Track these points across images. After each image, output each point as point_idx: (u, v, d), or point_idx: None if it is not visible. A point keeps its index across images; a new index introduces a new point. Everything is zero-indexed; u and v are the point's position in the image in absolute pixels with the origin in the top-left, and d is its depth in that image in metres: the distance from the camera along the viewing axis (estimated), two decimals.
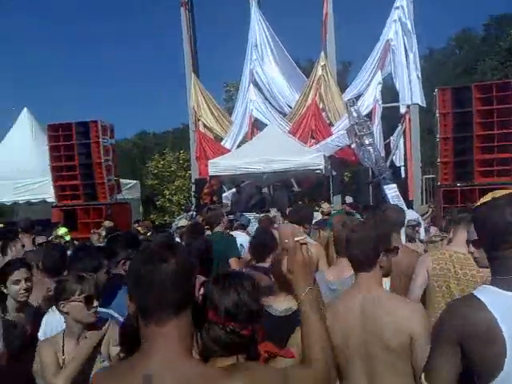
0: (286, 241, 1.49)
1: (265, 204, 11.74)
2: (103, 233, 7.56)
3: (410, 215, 6.65)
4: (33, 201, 12.88)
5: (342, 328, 2.12)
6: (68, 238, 7.96)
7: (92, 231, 8.24)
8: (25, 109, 15.42)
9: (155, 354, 1.24)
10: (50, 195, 12.13)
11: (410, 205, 11.72)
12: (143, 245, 1.42)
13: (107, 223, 8.85)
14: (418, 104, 13.82)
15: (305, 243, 1.50)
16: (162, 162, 22.93)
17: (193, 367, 1.26)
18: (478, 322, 1.47)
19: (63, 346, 2.48)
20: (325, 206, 8.54)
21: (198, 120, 15.99)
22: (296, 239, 1.48)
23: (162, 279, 1.24)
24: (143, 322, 1.27)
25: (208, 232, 5.34)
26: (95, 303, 2.48)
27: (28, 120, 15.16)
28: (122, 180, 13.20)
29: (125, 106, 62.09)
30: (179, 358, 1.25)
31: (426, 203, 12.30)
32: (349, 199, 9.96)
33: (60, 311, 2.51)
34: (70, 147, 11.76)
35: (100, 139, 11.69)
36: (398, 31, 14.14)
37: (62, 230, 8.07)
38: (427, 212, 7.43)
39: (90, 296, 2.46)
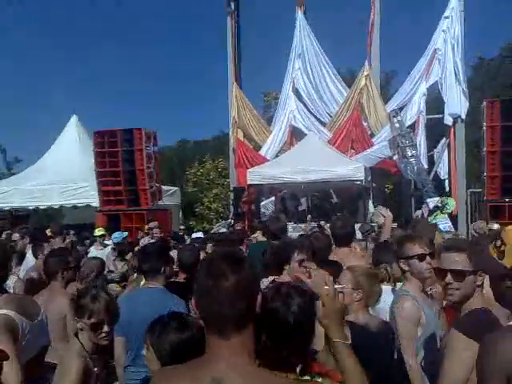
0: (326, 287, 1.54)
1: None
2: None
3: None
4: (78, 205, 13.37)
5: None
6: (100, 233, 8.21)
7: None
8: (74, 116, 16.10)
9: (221, 360, 1.27)
10: (94, 200, 12.55)
11: (453, 218, 11.35)
12: (208, 256, 1.44)
13: (152, 224, 9.18)
14: (461, 116, 13.46)
15: (341, 292, 1.59)
16: (201, 170, 23.29)
17: (260, 375, 1.29)
18: None
19: (92, 359, 2.41)
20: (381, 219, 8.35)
21: (238, 129, 16.16)
22: (336, 287, 1.57)
23: (223, 296, 1.27)
24: (207, 331, 1.32)
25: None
26: (105, 328, 2.36)
27: (76, 127, 15.80)
28: (162, 186, 13.47)
29: (166, 114, 63.57)
30: (246, 365, 1.27)
31: (471, 218, 11.86)
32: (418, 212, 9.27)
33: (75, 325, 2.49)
34: (115, 154, 12.14)
35: (143, 146, 12.01)
36: (446, 41, 13.85)
37: (98, 232, 8.34)
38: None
39: (96, 323, 2.36)
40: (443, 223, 9.72)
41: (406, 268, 2.84)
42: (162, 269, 3.20)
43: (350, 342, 1.57)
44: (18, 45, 65.28)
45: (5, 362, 2.16)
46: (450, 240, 2.68)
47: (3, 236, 8.98)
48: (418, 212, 8.89)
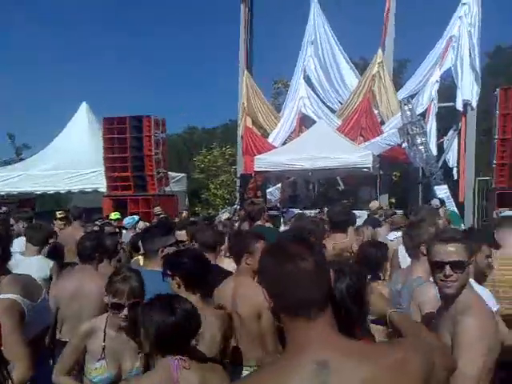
0: None
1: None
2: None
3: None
4: (86, 190, 13.46)
5: None
6: (116, 217, 8.28)
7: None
8: (83, 102, 16.14)
9: (316, 343, 1.21)
10: (102, 185, 12.63)
11: (460, 206, 11.28)
12: (275, 242, 1.40)
13: (157, 209, 9.22)
14: (471, 104, 13.26)
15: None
16: (208, 157, 23.31)
17: (359, 345, 1.27)
18: None
19: (105, 333, 2.49)
20: (373, 204, 8.38)
21: (247, 116, 16.09)
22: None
23: (306, 278, 1.23)
24: (289, 318, 1.25)
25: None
26: (124, 311, 2.40)
27: (86, 113, 15.84)
28: (170, 173, 13.54)
29: (175, 101, 63.55)
30: (342, 342, 1.24)
31: (478, 206, 11.75)
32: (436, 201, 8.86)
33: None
34: (124, 140, 12.19)
35: (152, 133, 12.05)
36: (462, 27, 13.58)
37: (114, 215, 8.41)
38: None
39: (118, 304, 2.42)
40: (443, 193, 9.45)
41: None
42: (160, 250, 3.13)
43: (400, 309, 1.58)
44: (28, 32, 65.51)
45: (13, 345, 2.19)
46: (444, 231, 2.50)
47: None
48: (435, 201, 8.58)
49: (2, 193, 14.07)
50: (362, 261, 3.40)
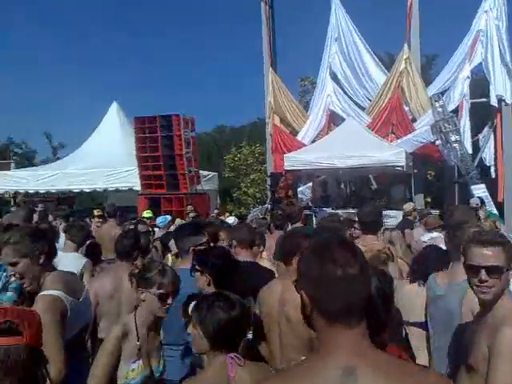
0: None
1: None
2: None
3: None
4: (121, 188, 13.80)
5: None
6: (148, 215, 8.49)
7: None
8: (114, 102, 16.53)
9: (348, 350, 1.19)
10: (136, 184, 12.91)
11: (499, 206, 10.91)
12: (317, 242, 1.35)
13: (189, 208, 9.39)
14: (505, 100, 12.81)
15: None
16: (238, 156, 23.37)
17: (389, 358, 1.25)
18: None
19: (137, 331, 2.43)
20: (408, 206, 8.22)
21: (274, 114, 16.06)
22: None
23: (351, 284, 1.20)
24: (326, 324, 1.22)
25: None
26: (169, 301, 2.43)
27: (117, 113, 16.23)
28: (201, 171, 13.71)
29: (204, 100, 64.03)
30: (374, 353, 1.22)
31: None
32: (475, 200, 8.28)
33: (138, 296, 2.50)
34: (155, 139, 12.41)
35: (182, 132, 12.21)
36: (489, 21, 13.15)
37: (146, 213, 8.61)
38: None
39: (165, 294, 2.42)
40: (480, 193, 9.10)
41: None
42: (191, 249, 3.14)
43: None
44: (61, 34, 67.32)
45: (48, 343, 2.12)
46: (481, 233, 2.25)
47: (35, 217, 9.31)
48: (475, 200, 8.16)
49: (42, 191, 14.60)
50: (424, 261, 3.32)
